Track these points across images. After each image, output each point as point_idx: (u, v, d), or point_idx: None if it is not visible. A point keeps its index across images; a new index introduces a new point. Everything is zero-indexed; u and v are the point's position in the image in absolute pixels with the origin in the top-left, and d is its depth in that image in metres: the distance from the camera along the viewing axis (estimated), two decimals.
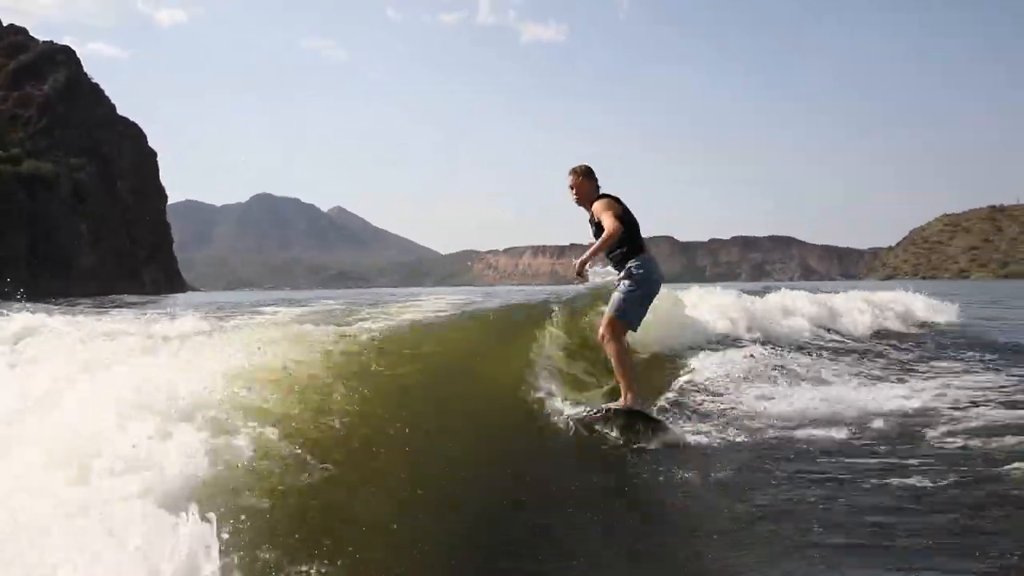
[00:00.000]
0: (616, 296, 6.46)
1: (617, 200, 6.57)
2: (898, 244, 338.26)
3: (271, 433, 3.13)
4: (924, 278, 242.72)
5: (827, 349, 11.59)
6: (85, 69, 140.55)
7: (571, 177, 6.71)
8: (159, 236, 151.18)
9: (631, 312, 6.41)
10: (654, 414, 6.40)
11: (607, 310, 6.49)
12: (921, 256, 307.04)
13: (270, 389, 3.46)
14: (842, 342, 12.73)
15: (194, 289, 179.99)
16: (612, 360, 6.42)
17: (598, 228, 6.45)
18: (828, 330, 13.73)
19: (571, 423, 6.01)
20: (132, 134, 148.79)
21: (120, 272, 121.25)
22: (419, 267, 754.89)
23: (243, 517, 2.57)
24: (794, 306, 14.73)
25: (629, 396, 6.28)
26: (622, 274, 6.46)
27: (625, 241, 6.40)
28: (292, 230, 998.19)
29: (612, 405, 6.20)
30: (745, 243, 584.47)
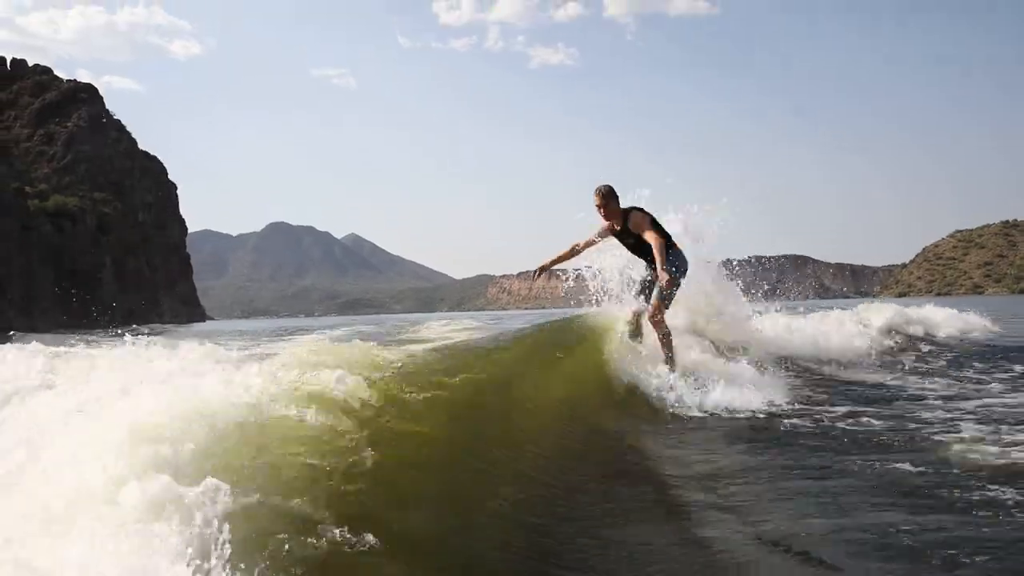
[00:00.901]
0: (658, 288, 7.53)
1: (644, 211, 7.69)
2: (911, 261, 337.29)
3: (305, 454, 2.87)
4: (939, 295, 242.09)
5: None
6: (107, 106, 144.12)
7: (597, 197, 7.66)
8: (179, 266, 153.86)
9: (669, 298, 7.65)
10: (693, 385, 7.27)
11: (653, 298, 7.66)
12: (935, 273, 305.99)
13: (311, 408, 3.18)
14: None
15: (211, 318, 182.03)
16: (659, 338, 7.63)
17: (636, 240, 7.66)
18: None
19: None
20: (153, 168, 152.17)
21: (142, 302, 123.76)
22: (433, 293, 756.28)
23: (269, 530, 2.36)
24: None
25: (673, 367, 7.49)
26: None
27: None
28: (307, 258, 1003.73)
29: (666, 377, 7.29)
30: (759, 262, 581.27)
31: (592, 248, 8.23)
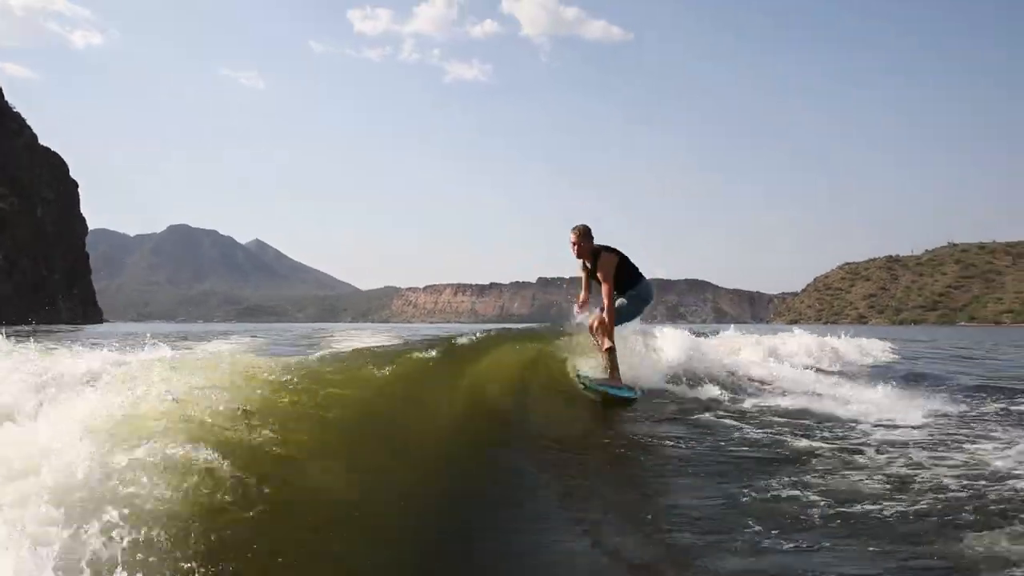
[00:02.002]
0: (616, 305, 8.10)
1: (612, 251, 8.22)
2: (803, 290, 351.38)
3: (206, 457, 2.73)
4: (826, 323, 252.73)
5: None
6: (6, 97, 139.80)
7: (573, 235, 8.22)
8: (77, 266, 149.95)
9: (626, 318, 8.28)
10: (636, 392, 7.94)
11: (605, 314, 8.02)
12: (824, 302, 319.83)
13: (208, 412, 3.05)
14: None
15: (106, 320, 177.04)
16: (602, 346, 8.09)
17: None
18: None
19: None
20: (54, 164, 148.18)
21: (37, 301, 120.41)
22: (337, 303, 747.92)
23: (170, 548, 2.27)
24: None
25: (614, 374, 7.99)
26: (629, 294, 8.27)
27: (623, 283, 8.18)
28: (208, 262, 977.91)
29: (602, 381, 7.89)
30: (661, 286, 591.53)
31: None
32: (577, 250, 8.23)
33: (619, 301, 8.19)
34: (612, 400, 7.69)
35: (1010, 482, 4.53)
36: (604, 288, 8.04)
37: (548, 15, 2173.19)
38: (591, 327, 8.33)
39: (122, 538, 2.24)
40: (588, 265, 8.29)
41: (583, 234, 8.20)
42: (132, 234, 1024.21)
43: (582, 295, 8.68)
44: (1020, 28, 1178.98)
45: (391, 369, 4.88)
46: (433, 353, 5.80)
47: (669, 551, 3.39)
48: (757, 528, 3.68)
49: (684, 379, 9.42)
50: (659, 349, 10.49)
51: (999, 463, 5.07)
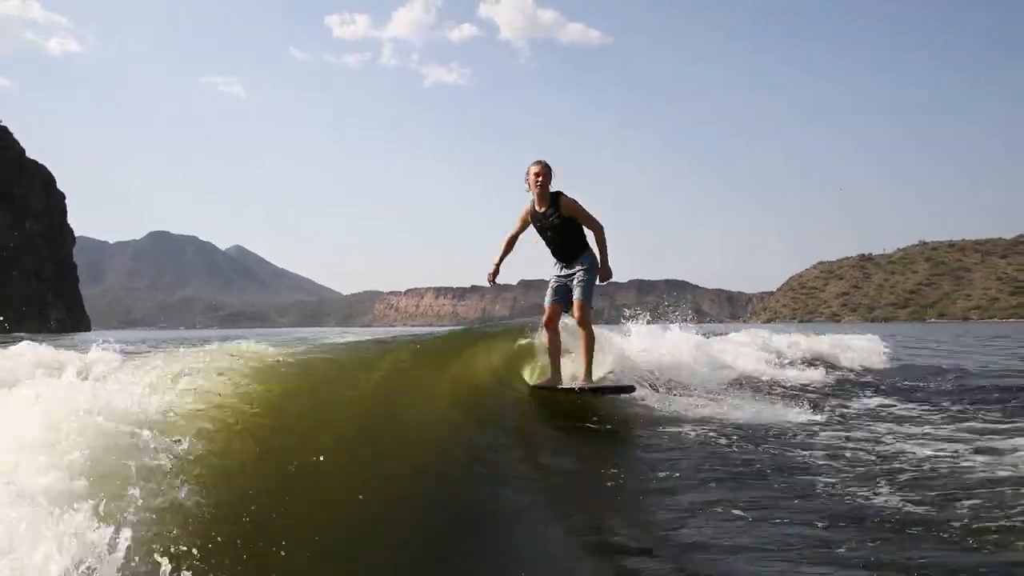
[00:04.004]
0: (580, 286, 6.99)
1: (570, 197, 7.03)
2: (779, 289, 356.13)
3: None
4: (801, 321, 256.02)
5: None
6: None
7: (537, 167, 6.92)
8: (65, 276, 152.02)
9: (592, 294, 7.06)
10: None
11: (576, 298, 6.99)
12: (799, 301, 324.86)
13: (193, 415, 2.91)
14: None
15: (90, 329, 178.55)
16: (583, 341, 7.04)
17: (562, 221, 6.96)
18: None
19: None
20: (42, 176, 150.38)
21: (27, 311, 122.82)
22: (319, 307, 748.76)
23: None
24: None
25: (589, 373, 7.09)
26: (579, 265, 7.07)
27: (575, 244, 7.12)
28: (189, 268, 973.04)
29: (581, 384, 6.95)
30: (641, 286, 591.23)
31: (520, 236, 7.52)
32: (541, 189, 6.97)
33: (579, 275, 7.12)
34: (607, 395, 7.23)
35: None
36: (595, 236, 7.13)
37: (525, 18, 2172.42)
38: (547, 323, 7.32)
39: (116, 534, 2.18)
40: (540, 209, 7.06)
41: (549, 171, 7.01)
42: (112, 241, 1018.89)
43: (497, 257, 7.47)
44: (1015, 28, 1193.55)
45: (385, 365, 4.86)
46: (423, 348, 5.77)
47: (669, 553, 3.29)
48: (757, 536, 3.50)
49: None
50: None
51: None
